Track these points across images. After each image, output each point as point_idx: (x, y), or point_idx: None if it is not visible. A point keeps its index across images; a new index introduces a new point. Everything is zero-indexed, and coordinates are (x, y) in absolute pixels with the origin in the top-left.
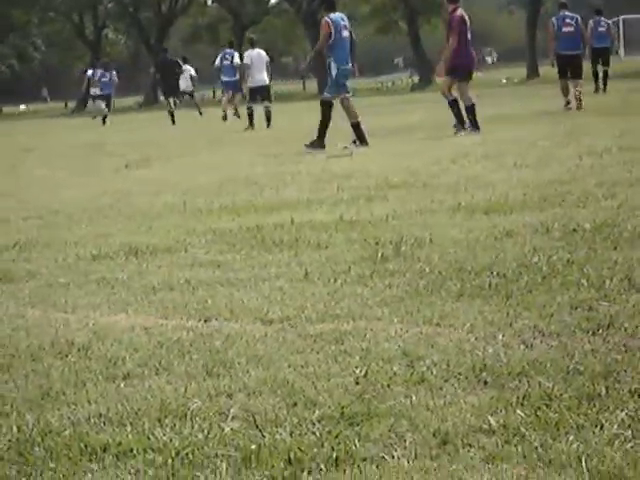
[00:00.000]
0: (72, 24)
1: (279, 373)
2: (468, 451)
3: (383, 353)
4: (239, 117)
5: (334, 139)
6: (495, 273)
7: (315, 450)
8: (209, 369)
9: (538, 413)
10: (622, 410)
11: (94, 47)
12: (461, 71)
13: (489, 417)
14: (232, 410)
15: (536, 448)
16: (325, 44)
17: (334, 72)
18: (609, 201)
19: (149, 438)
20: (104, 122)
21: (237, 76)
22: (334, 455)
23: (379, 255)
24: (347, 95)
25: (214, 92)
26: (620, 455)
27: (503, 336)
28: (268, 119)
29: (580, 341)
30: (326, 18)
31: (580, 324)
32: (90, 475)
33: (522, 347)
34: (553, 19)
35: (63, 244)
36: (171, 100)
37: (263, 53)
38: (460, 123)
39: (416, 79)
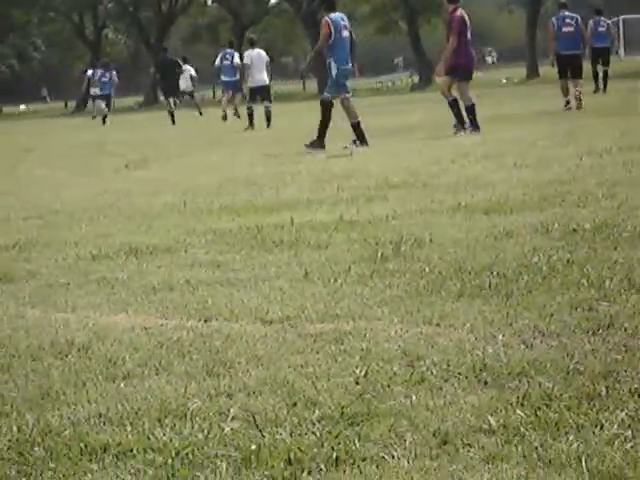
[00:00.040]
0: (72, 24)
1: (279, 373)
2: (468, 451)
3: (383, 353)
4: (239, 117)
5: (334, 139)
6: (495, 273)
7: (315, 450)
8: (209, 369)
9: (538, 413)
10: (622, 410)
11: (94, 47)
12: (461, 71)
13: (489, 417)
14: (232, 410)
15: (536, 448)
16: (325, 44)
17: (334, 72)
18: (609, 201)
19: (149, 438)
20: (104, 122)
21: (237, 76)
22: (334, 455)
23: (379, 255)
24: (347, 95)
25: (214, 92)
26: (620, 455)
27: (503, 336)
28: (268, 119)
29: (580, 341)
30: (326, 18)
31: (580, 324)
32: (90, 475)
33: (522, 347)
34: (553, 19)
35: (63, 244)
36: (171, 100)
37: (263, 53)
38: (460, 123)
39: (416, 79)
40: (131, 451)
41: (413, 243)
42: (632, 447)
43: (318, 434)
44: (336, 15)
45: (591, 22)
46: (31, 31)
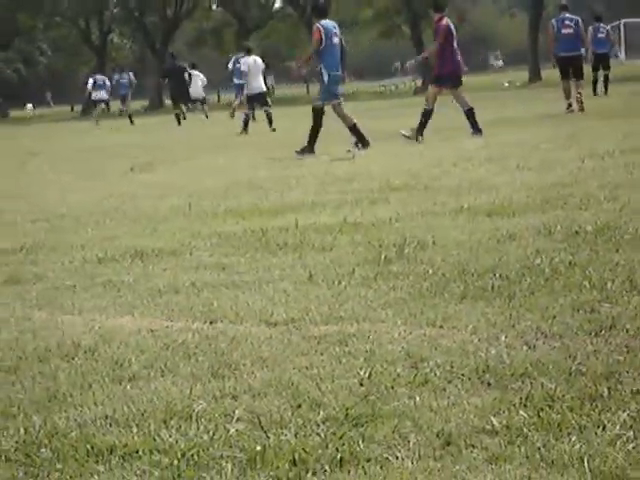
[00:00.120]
0: (78, 29)
1: (284, 375)
2: (471, 452)
3: (387, 355)
4: (254, 119)
5: (337, 143)
6: (498, 275)
7: (320, 451)
8: (214, 371)
9: (541, 414)
10: (624, 411)
11: (100, 52)
12: (448, 79)
13: (492, 418)
14: (237, 411)
15: (539, 449)
16: (316, 49)
17: (325, 78)
18: (611, 203)
19: (155, 439)
20: (132, 122)
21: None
22: (338, 456)
23: (383, 257)
24: (338, 101)
25: (219, 96)
26: (622, 455)
27: (506, 337)
28: (270, 121)
29: (582, 342)
30: (317, 24)
31: (582, 325)
32: (96, 476)
33: (525, 348)
34: (553, 21)
35: (69, 247)
36: (182, 106)
37: (259, 60)
38: (419, 131)
39: (419, 82)
40: (137, 452)
41: (416, 245)
42: (634, 448)
43: (323, 435)
44: (327, 22)
45: (591, 28)
46: (37, 36)
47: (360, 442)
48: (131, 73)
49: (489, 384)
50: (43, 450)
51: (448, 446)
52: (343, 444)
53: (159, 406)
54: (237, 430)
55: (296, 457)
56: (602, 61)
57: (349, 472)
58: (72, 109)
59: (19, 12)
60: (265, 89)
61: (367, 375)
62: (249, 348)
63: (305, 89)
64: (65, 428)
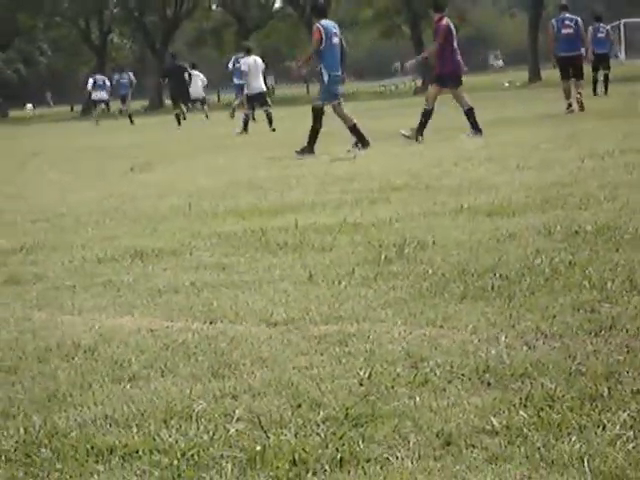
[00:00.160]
0: (78, 29)
1: (284, 375)
2: (471, 452)
3: (387, 355)
4: (255, 120)
5: (337, 143)
6: (498, 275)
7: (320, 451)
8: (214, 371)
9: (541, 414)
10: (624, 411)
11: (100, 52)
12: (448, 79)
13: (492, 418)
14: (237, 411)
15: (539, 449)
16: (317, 49)
17: (325, 78)
18: (611, 203)
19: (155, 439)
20: (132, 122)
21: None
22: (338, 456)
23: (382, 257)
24: (338, 102)
25: (219, 96)
26: (622, 455)
27: (506, 337)
28: (270, 121)
29: (582, 342)
30: (317, 24)
31: (582, 325)
32: (96, 476)
33: (525, 348)
34: (553, 21)
35: (69, 247)
36: (182, 106)
37: (259, 60)
38: (419, 132)
39: (419, 83)
40: (137, 452)
41: (416, 245)
42: (634, 447)
43: (323, 435)
44: (327, 22)
45: (590, 28)
46: (37, 36)
47: (360, 442)
48: (131, 73)
49: (489, 384)
50: (43, 450)
51: (448, 446)
52: (343, 444)
53: (159, 406)
54: (237, 430)
55: (296, 457)
56: (602, 61)
57: (349, 472)
58: (72, 109)
59: (19, 12)
60: (265, 89)
61: (367, 375)
62: (249, 348)
63: (305, 89)
64: (65, 428)
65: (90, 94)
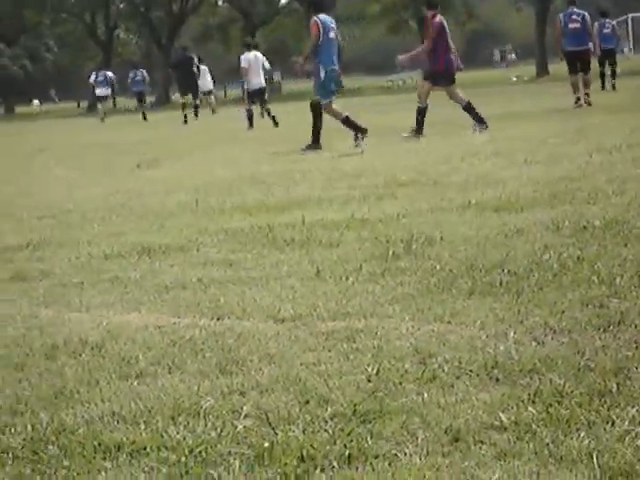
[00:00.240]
0: (84, 24)
1: (291, 371)
2: (480, 448)
3: (395, 351)
4: (263, 117)
5: (345, 138)
6: (506, 270)
7: (327, 447)
8: (222, 367)
9: (549, 410)
10: (633, 406)
11: (106, 47)
12: (441, 77)
13: (501, 414)
14: (245, 408)
15: (547, 445)
16: (315, 43)
17: (322, 74)
18: (619, 198)
19: (162, 436)
20: (145, 118)
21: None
22: (346, 452)
23: (390, 253)
24: (330, 100)
25: (225, 91)
26: (631, 451)
27: (514, 333)
28: (273, 118)
29: (591, 338)
30: (315, 18)
31: (591, 321)
32: (104, 473)
33: (533, 344)
34: (560, 15)
35: (76, 243)
36: (191, 100)
37: (260, 55)
38: (418, 131)
39: None
40: (145, 449)
41: (424, 241)
42: None
43: (330, 432)
44: (325, 16)
45: (596, 24)
46: (43, 32)
47: (368, 438)
48: (144, 70)
49: (497, 380)
50: (50, 447)
51: (456, 442)
52: (351, 440)
53: (166, 403)
54: (245, 426)
55: (304, 453)
56: (608, 57)
57: (357, 468)
58: (78, 105)
59: (25, 8)
60: (264, 85)
61: (375, 371)
62: (256, 344)
63: (312, 84)
64: (72, 425)
65: (94, 89)
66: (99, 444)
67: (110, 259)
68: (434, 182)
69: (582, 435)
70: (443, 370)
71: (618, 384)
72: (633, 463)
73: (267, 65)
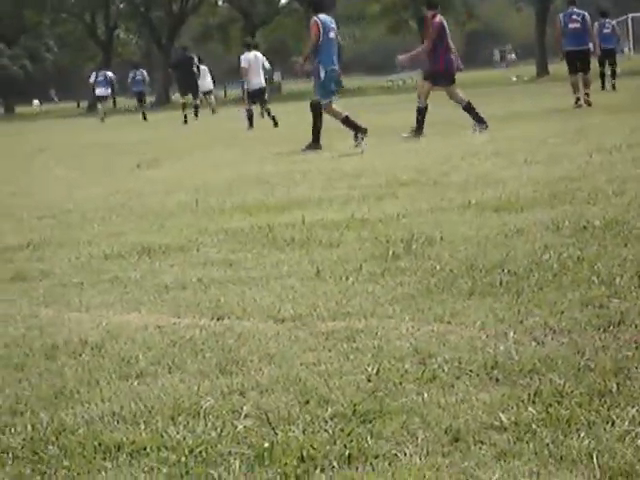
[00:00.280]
0: (84, 24)
1: (291, 371)
2: (480, 448)
3: (395, 351)
4: (263, 117)
5: (345, 138)
6: (506, 271)
7: (327, 447)
8: (222, 367)
9: (549, 410)
10: (633, 407)
11: (106, 47)
12: (441, 78)
13: (500, 414)
14: (245, 408)
15: (547, 445)
16: (316, 43)
17: (322, 74)
18: (619, 198)
19: (162, 436)
20: (145, 118)
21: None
22: (346, 452)
23: (390, 253)
24: (330, 100)
25: (225, 92)
26: (631, 451)
27: (514, 333)
28: (273, 118)
29: (591, 338)
30: (315, 18)
31: (591, 321)
32: (104, 473)
33: (533, 344)
34: (560, 16)
35: (76, 243)
36: (191, 100)
37: (260, 55)
38: (418, 130)
39: None
40: (145, 449)
41: (424, 241)
42: None
43: (330, 432)
44: (325, 16)
45: (596, 24)
46: (43, 32)
47: (368, 438)
48: (144, 70)
49: (497, 380)
50: (50, 447)
51: (456, 442)
52: (351, 440)
53: (167, 403)
54: (245, 427)
55: (304, 454)
56: (608, 57)
57: (357, 469)
58: (78, 105)
59: (25, 8)
60: (264, 85)
61: (375, 371)
62: (256, 344)
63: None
64: (72, 425)
65: (94, 89)
66: (99, 444)
67: (110, 259)
68: (434, 182)
69: (582, 435)
70: (443, 370)
71: (618, 384)
72: (633, 463)
73: (267, 65)
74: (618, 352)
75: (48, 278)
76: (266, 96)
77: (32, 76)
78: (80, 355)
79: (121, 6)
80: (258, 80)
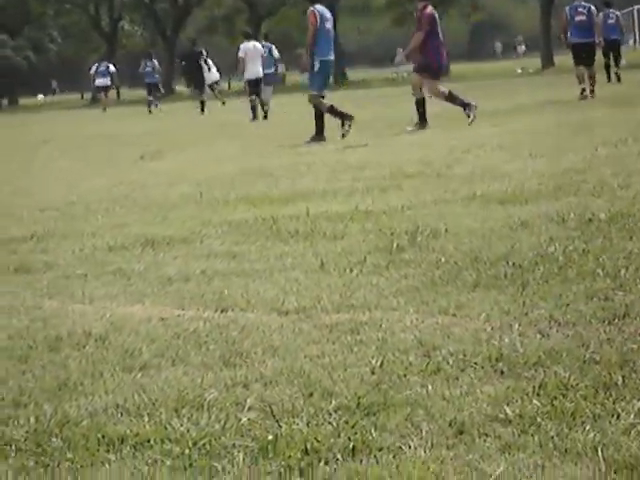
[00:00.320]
0: (88, 15)
1: (295, 363)
2: (484, 441)
3: (399, 343)
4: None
5: (351, 130)
6: (511, 263)
7: (332, 440)
8: (226, 359)
9: (554, 403)
10: (638, 399)
11: (110, 39)
12: (430, 69)
13: (505, 407)
14: (249, 400)
15: (552, 438)
16: (314, 33)
17: (316, 66)
18: (624, 191)
19: (166, 428)
20: (150, 109)
21: (272, 69)
22: (351, 445)
23: (394, 245)
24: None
25: (229, 84)
26: (636, 444)
27: (519, 326)
28: (262, 107)
29: (596, 331)
30: (312, 8)
31: (596, 314)
32: (108, 465)
33: (538, 337)
34: (566, 8)
35: (80, 235)
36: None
37: (259, 45)
38: (421, 123)
39: None
40: (148, 441)
41: (428, 233)
42: None
43: (335, 424)
44: (322, 7)
45: (600, 15)
46: (47, 23)
47: (372, 431)
48: (155, 61)
49: (502, 373)
50: (54, 439)
51: (461, 435)
52: (355, 433)
53: (170, 395)
54: (249, 419)
55: (308, 446)
56: (613, 48)
57: (361, 461)
58: (82, 97)
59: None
60: (262, 75)
61: (379, 364)
62: (260, 337)
63: None
64: (76, 417)
65: (94, 80)
66: (103, 436)
67: (114, 251)
68: (438, 174)
69: (587, 428)
70: (447, 363)
71: (623, 377)
72: (638, 456)
73: (276, 54)
74: (623, 345)
75: (52, 270)
76: (262, 87)
77: (36, 67)
78: (84, 347)
79: None
80: (256, 69)
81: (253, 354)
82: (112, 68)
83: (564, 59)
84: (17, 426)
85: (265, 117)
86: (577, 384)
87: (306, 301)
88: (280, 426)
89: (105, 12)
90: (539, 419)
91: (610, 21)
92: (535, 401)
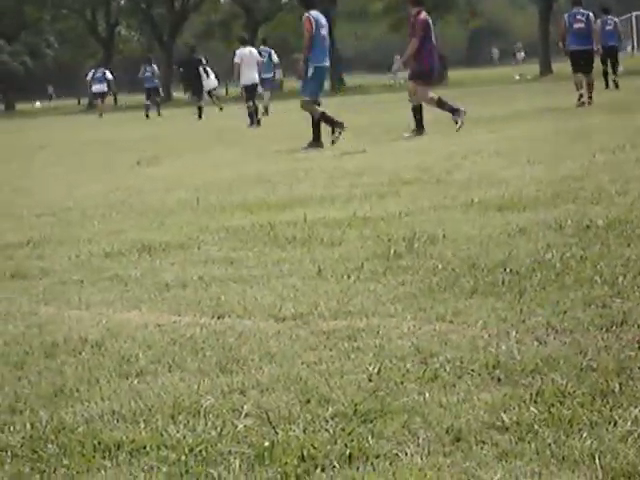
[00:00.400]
0: (85, 21)
1: (292, 370)
2: (481, 448)
3: (396, 350)
4: (267, 114)
5: (347, 136)
6: (508, 270)
7: (328, 447)
8: (222, 366)
9: (551, 410)
10: (636, 407)
11: (107, 44)
12: (424, 75)
13: (502, 414)
14: (245, 407)
15: (549, 445)
16: (309, 39)
17: (310, 72)
18: (622, 197)
19: (162, 435)
20: (147, 115)
21: (271, 74)
22: (347, 452)
23: (392, 252)
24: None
25: (227, 90)
26: (634, 452)
27: (516, 333)
28: (257, 116)
29: (593, 338)
30: (307, 14)
31: (593, 321)
32: (103, 472)
33: (535, 344)
34: (565, 16)
35: (76, 241)
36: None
37: (255, 51)
38: (418, 130)
39: None
40: (144, 448)
41: (426, 240)
42: None
43: (331, 431)
44: (317, 13)
45: (599, 21)
46: (44, 28)
47: (369, 438)
48: (155, 66)
49: (499, 380)
50: (50, 445)
51: (458, 442)
52: (352, 440)
53: (166, 401)
54: (245, 426)
55: (304, 453)
56: (610, 55)
57: (358, 468)
58: (79, 102)
59: (26, 4)
60: (258, 81)
61: (376, 370)
62: (257, 343)
63: None
64: (72, 423)
65: (91, 86)
66: (99, 443)
67: (110, 257)
68: (437, 180)
69: (584, 436)
70: (445, 370)
71: (620, 384)
72: (635, 464)
73: (275, 58)
74: (621, 352)
75: (48, 276)
76: (259, 91)
77: (32, 72)
78: (80, 353)
79: (122, 2)
80: (252, 75)
81: (250, 360)
82: (109, 75)
83: (562, 66)
84: (13, 432)
85: (258, 123)
86: (574, 391)
87: (303, 307)
88: (277, 433)
89: (102, 17)
90: (536, 426)
91: (608, 27)
92: (532, 408)
